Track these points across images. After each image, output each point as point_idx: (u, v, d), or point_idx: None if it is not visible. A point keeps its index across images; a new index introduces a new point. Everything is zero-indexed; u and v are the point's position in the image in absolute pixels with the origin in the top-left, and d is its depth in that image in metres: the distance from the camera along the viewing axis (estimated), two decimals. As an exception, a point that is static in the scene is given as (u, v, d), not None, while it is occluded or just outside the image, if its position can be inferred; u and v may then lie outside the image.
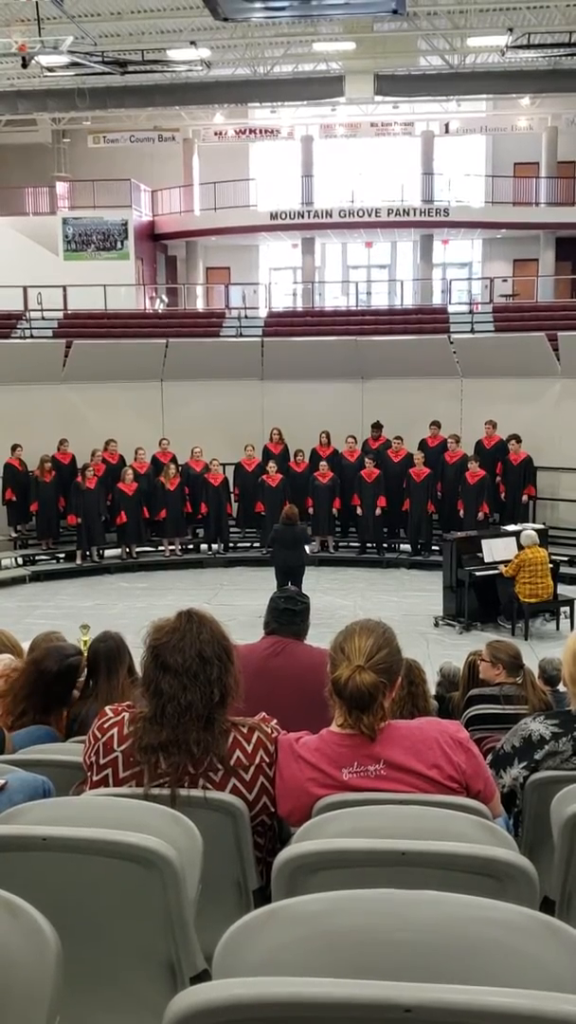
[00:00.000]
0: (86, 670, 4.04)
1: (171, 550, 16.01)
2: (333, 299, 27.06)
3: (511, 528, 12.71)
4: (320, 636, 3.36)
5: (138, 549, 15.90)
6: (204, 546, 16.28)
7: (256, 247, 29.02)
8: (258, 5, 12.63)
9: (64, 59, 17.61)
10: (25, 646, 4.63)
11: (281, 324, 19.29)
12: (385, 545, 15.76)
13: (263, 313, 21.17)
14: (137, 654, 2.75)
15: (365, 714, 2.29)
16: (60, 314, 19.96)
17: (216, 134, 28.45)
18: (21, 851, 1.90)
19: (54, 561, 15.84)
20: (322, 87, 21.04)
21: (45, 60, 17.49)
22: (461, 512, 14.73)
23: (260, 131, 28.46)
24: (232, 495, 16.02)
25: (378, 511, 15.27)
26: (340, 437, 16.00)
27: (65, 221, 25.68)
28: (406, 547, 15.79)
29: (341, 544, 16.15)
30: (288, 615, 4.12)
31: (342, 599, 13.12)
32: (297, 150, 28.05)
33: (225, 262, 28.95)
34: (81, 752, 2.55)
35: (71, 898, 1.88)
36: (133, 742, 2.38)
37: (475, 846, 1.89)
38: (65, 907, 1.79)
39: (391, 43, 19.48)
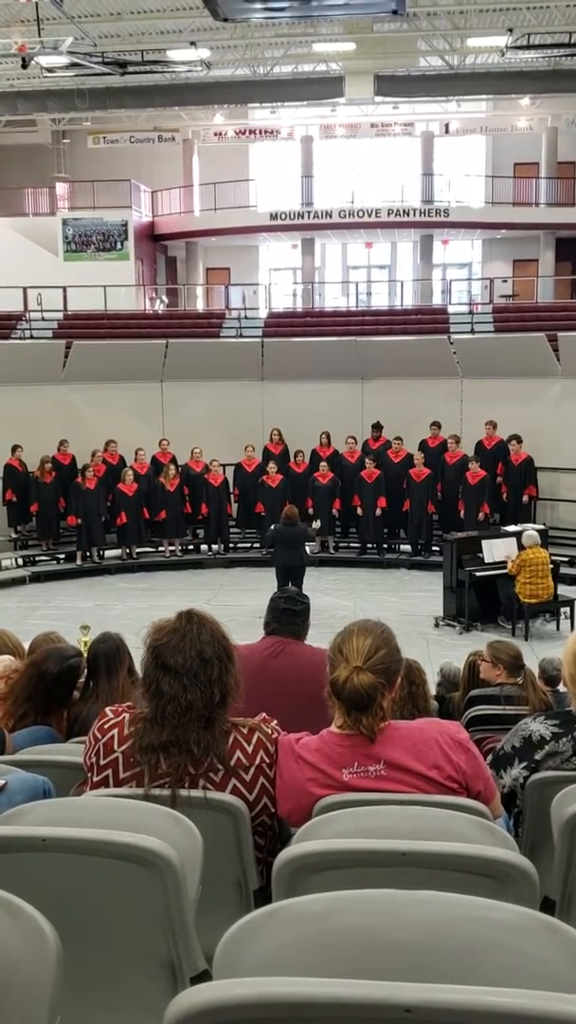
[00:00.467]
0: (86, 671, 4.04)
1: (171, 551, 16.01)
2: (333, 300, 27.06)
3: (512, 528, 12.71)
4: (320, 636, 3.36)
5: (138, 550, 15.90)
6: (204, 547, 16.28)
7: (256, 248, 29.02)
8: (258, 6, 12.62)
9: (64, 60, 17.61)
10: (25, 647, 4.63)
11: (281, 325, 19.30)
12: (385, 546, 15.76)
13: (263, 314, 21.17)
14: (137, 655, 2.75)
15: (364, 715, 2.30)
16: (60, 315, 19.96)
17: (216, 134, 28.45)
18: (21, 852, 1.90)
19: (54, 562, 15.84)
20: (322, 88, 21.05)
21: (45, 61, 17.49)
22: (461, 512, 14.74)
23: (260, 132, 28.46)
24: (232, 496, 16.02)
25: (378, 512, 15.27)
26: (340, 438, 16.00)
27: (65, 222, 25.68)
28: (406, 548, 15.80)
29: (341, 545, 16.16)
30: (288, 615, 4.12)
31: (342, 599, 13.12)
32: (297, 150, 28.05)
33: (225, 263, 28.95)
34: (81, 753, 2.55)
35: (71, 899, 1.88)
36: (133, 743, 2.38)
37: (475, 846, 1.90)
38: (65, 908, 1.79)
39: (391, 44, 19.47)
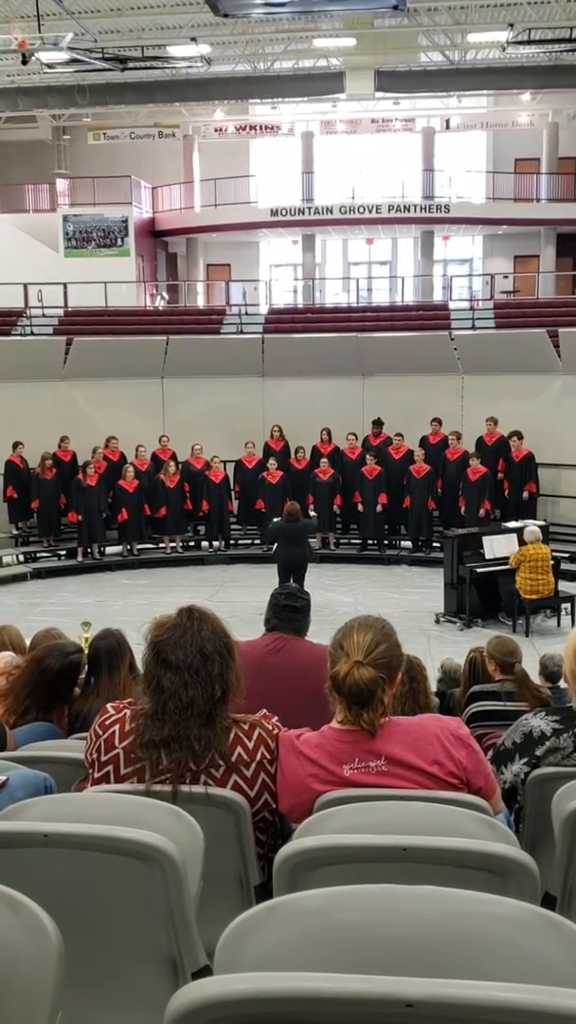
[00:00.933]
0: (87, 667, 4.04)
1: (172, 547, 16.01)
2: (334, 296, 27.02)
3: (512, 524, 12.71)
4: (321, 633, 3.36)
5: (139, 546, 15.90)
6: (205, 543, 16.29)
7: (256, 244, 28.98)
8: (258, 1, 12.62)
9: (64, 56, 17.58)
10: (26, 644, 4.64)
11: (282, 321, 19.28)
12: (386, 542, 15.76)
13: (264, 310, 21.15)
14: (138, 651, 2.76)
15: (365, 710, 2.30)
16: (61, 311, 19.96)
17: (216, 130, 28.42)
18: (23, 847, 1.90)
19: (55, 558, 15.84)
20: (323, 83, 21.03)
21: (45, 57, 17.45)
22: (462, 509, 14.74)
23: (260, 127, 28.42)
24: (233, 492, 16.02)
25: (379, 508, 15.27)
26: (341, 434, 15.99)
27: (65, 218, 25.65)
28: (407, 544, 15.79)
29: (342, 541, 16.16)
30: (289, 611, 4.13)
31: (343, 596, 13.13)
32: (298, 146, 28.02)
33: (226, 259, 28.92)
34: (82, 749, 2.55)
35: (73, 894, 1.88)
36: (134, 739, 2.39)
37: (476, 842, 1.90)
38: (67, 903, 1.79)
39: (392, 39, 19.45)
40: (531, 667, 6.13)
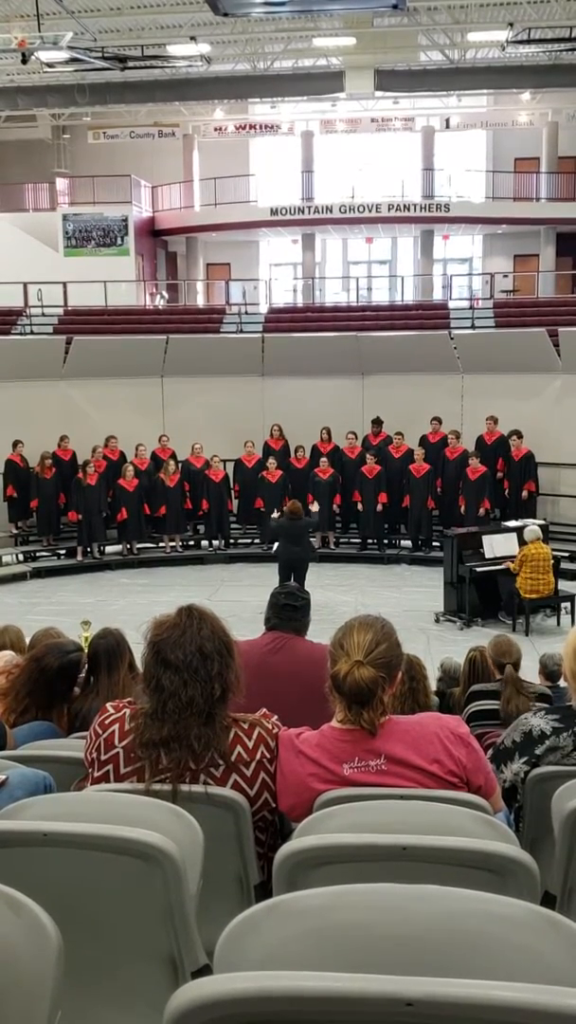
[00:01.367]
0: (87, 666, 4.04)
1: (171, 546, 16.01)
2: (333, 295, 27.00)
3: (512, 524, 12.71)
4: (321, 632, 3.36)
5: (139, 545, 15.90)
6: (205, 542, 16.29)
7: (256, 243, 28.98)
8: (258, 0, 12.61)
9: (64, 55, 17.57)
10: (25, 643, 4.64)
11: (281, 320, 19.28)
12: (386, 541, 15.76)
13: (263, 309, 21.14)
14: (138, 650, 2.76)
15: (365, 709, 2.30)
16: (60, 310, 19.94)
17: (216, 130, 28.41)
18: (22, 847, 1.90)
19: (55, 558, 15.84)
20: (322, 82, 21.04)
21: (45, 56, 17.45)
22: (462, 508, 14.74)
23: (260, 127, 28.42)
24: (232, 491, 16.02)
25: (379, 507, 15.28)
26: (340, 433, 15.99)
27: (65, 217, 25.64)
28: (407, 543, 15.79)
29: (342, 540, 16.16)
30: (289, 611, 4.12)
31: (343, 595, 13.13)
32: (297, 146, 28.00)
33: (225, 258, 28.91)
34: (82, 748, 2.55)
35: (72, 893, 1.88)
36: (134, 738, 2.38)
37: (476, 840, 1.90)
38: (66, 902, 1.79)
39: (391, 38, 19.46)
40: (531, 666, 6.15)
